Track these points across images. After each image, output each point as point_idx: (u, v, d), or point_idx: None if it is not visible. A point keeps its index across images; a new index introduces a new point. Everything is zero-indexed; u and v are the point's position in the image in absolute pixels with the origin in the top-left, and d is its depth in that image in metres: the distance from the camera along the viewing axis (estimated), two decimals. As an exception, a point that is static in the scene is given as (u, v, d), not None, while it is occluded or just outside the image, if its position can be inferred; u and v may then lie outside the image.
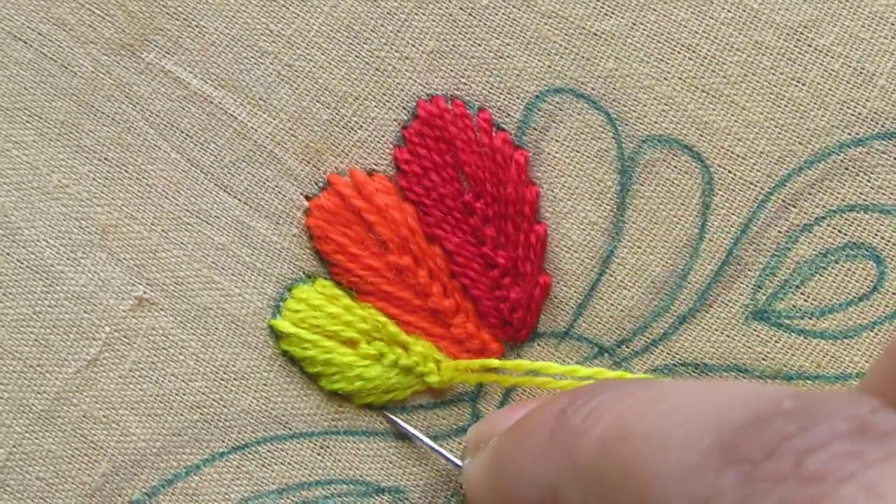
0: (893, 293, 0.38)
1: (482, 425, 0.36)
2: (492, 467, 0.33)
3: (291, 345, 0.39)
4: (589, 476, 0.27)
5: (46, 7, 0.41)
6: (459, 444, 0.39)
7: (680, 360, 0.39)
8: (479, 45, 0.40)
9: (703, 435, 0.25)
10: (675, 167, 0.39)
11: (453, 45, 0.40)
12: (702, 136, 0.39)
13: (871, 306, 0.38)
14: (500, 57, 0.40)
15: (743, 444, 0.24)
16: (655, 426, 0.26)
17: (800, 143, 0.39)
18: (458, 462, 0.38)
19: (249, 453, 0.39)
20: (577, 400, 0.30)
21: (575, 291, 0.39)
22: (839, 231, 0.39)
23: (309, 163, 0.40)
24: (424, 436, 0.39)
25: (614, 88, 0.39)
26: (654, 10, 0.39)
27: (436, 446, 0.38)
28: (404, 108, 0.40)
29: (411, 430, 0.38)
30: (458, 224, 0.39)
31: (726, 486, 0.23)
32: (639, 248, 0.39)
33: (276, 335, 0.40)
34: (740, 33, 0.39)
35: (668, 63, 0.39)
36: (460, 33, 0.40)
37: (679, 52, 0.39)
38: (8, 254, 0.40)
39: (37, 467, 0.39)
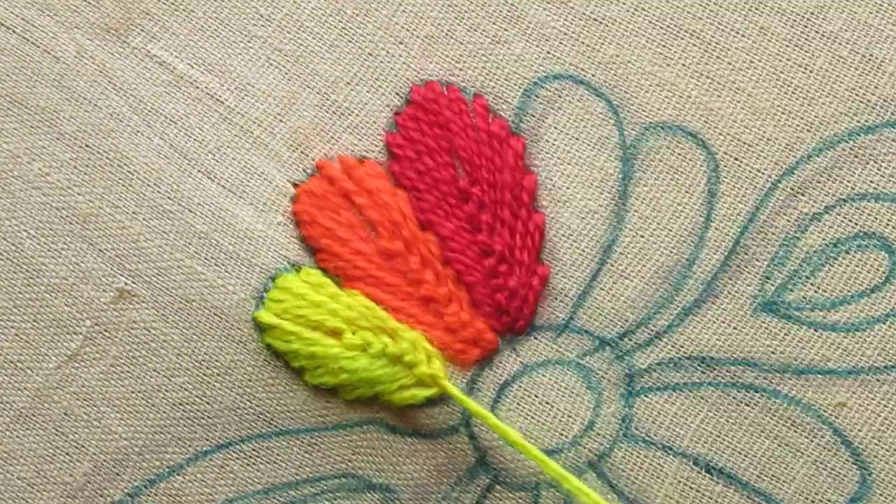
0: (907, 288, 0.37)
1: None
2: None
3: (275, 338, 0.38)
4: None
5: (31, -8, 0.40)
6: (450, 443, 0.38)
7: (685, 353, 0.38)
8: (476, 30, 0.39)
9: None
10: (679, 154, 0.38)
11: (449, 30, 0.39)
12: (707, 122, 0.38)
13: (882, 298, 0.37)
14: (498, 42, 0.39)
15: None
16: None
17: (808, 130, 0.38)
18: None
19: (234, 452, 0.38)
20: None
21: (575, 282, 0.38)
22: (849, 220, 0.37)
23: (297, 149, 0.39)
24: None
25: (615, 75, 0.38)
26: (656, -7, 0.39)
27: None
28: (397, 94, 0.39)
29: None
30: (452, 210, 0.38)
31: None
32: (642, 237, 0.38)
33: (260, 328, 0.38)
34: (745, 18, 0.38)
35: (671, 49, 0.38)
36: (456, 18, 0.39)
37: (682, 38, 0.39)
38: (-15, 243, 0.39)
39: (17, 467, 0.38)
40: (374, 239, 0.38)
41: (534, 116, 0.39)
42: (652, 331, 0.38)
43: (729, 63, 0.38)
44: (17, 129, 0.39)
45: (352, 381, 0.37)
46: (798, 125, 0.38)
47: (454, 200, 0.38)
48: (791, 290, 0.37)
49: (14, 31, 0.40)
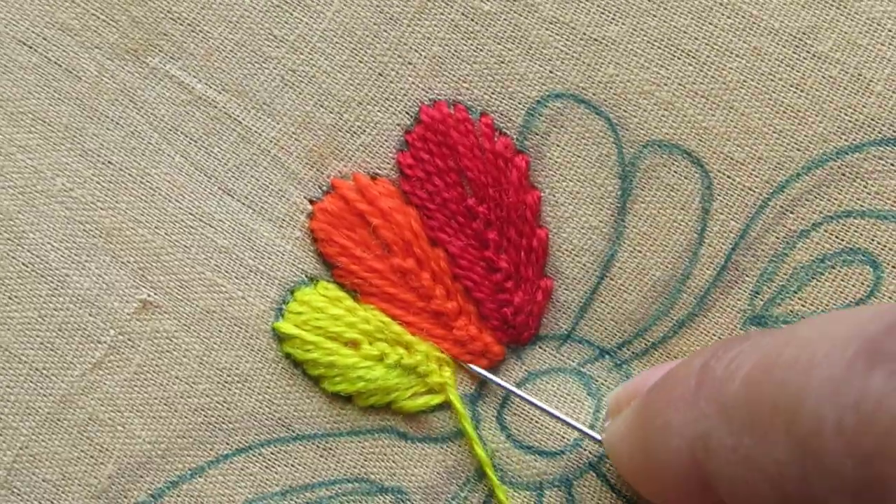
0: (890, 298, 0.38)
1: (624, 389, 0.36)
2: (637, 426, 0.33)
3: (294, 347, 0.39)
4: (738, 416, 0.28)
5: (51, 12, 0.41)
6: (460, 446, 0.40)
7: (679, 363, 0.39)
8: (482, 50, 0.40)
9: (845, 347, 0.26)
10: (675, 172, 0.39)
11: (456, 51, 0.40)
12: (701, 141, 0.39)
13: (867, 310, 0.39)
14: (502, 62, 0.40)
15: (887, 346, 0.25)
16: (798, 353, 0.27)
17: (798, 149, 0.39)
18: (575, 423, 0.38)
19: (253, 455, 0.40)
20: (718, 351, 0.31)
21: (576, 295, 0.40)
22: (836, 237, 0.39)
23: (312, 167, 0.41)
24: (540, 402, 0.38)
25: (615, 94, 0.39)
26: (654, 16, 0.40)
27: (558, 414, 0.38)
28: (407, 113, 0.40)
29: (526, 396, 0.38)
30: (460, 228, 0.40)
31: (874, 384, 0.24)
32: (639, 252, 0.40)
33: (279, 338, 0.40)
34: (739, 39, 0.39)
35: (668, 69, 0.39)
36: (463, 39, 0.40)
37: (679, 58, 0.39)
38: (13, 257, 0.40)
39: (43, 469, 0.39)
40: (387, 256, 0.40)
41: (537, 134, 0.40)
42: (648, 341, 0.39)
43: (723, 83, 0.39)
44: (40, 145, 0.41)
45: (368, 389, 0.39)
46: (788, 144, 0.39)
47: (462, 219, 0.40)
48: (779, 305, 0.39)
49: (36, 51, 0.41)
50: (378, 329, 0.39)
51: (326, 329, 0.39)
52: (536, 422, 0.39)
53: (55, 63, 0.41)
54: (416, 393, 0.39)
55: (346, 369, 0.39)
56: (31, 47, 0.41)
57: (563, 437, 0.39)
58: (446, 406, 0.40)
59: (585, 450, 0.39)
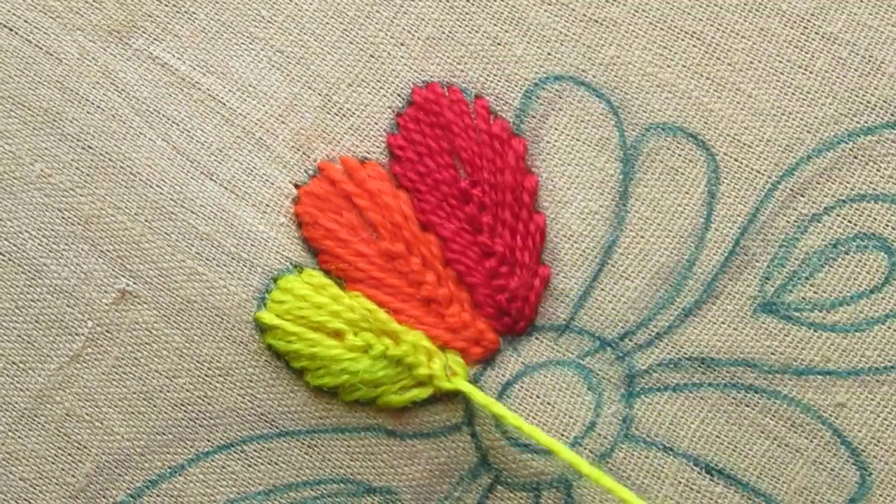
0: (906, 289, 0.37)
1: None
2: None
3: (276, 338, 0.38)
4: None
5: (34, -6, 0.40)
6: (452, 442, 0.38)
7: (685, 354, 0.38)
8: (477, 31, 0.39)
9: None
10: (680, 155, 0.38)
11: (450, 32, 0.39)
12: (707, 123, 0.38)
13: (882, 299, 0.37)
14: (498, 44, 0.39)
15: None
16: None
17: (808, 131, 0.38)
18: None
19: (235, 453, 0.38)
20: None
21: (576, 283, 0.38)
22: (849, 221, 0.38)
23: (299, 150, 0.39)
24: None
25: (616, 76, 0.39)
26: (656, -5, 0.39)
27: None
28: (399, 95, 0.39)
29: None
30: (453, 211, 0.38)
31: None
32: (642, 237, 0.38)
33: (262, 328, 0.38)
34: (746, 20, 0.38)
35: (671, 50, 0.39)
36: (457, 19, 0.39)
37: (683, 39, 0.39)
38: (-12, 245, 0.39)
39: (20, 467, 0.38)
40: (375, 240, 0.38)
41: (535, 117, 0.39)
42: (652, 331, 0.38)
43: (729, 64, 0.38)
44: (19, 130, 0.40)
45: (353, 383, 0.37)
46: (798, 126, 0.38)
47: (455, 202, 0.38)
48: (791, 291, 0.38)
49: (17, 33, 0.40)
50: (363, 318, 0.37)
51: (309, 318, 0.37)
52: (534, 419, 0.38)
53: (36, 45, 0.40)
54: (404, 387, 0.37)
55: (330, 361, 0.37)
56: (11, 30, 0.40)
57: (562, 435, 0.37)
58: (437, 399, 0.38)
59: (585, 448, 0.37)
